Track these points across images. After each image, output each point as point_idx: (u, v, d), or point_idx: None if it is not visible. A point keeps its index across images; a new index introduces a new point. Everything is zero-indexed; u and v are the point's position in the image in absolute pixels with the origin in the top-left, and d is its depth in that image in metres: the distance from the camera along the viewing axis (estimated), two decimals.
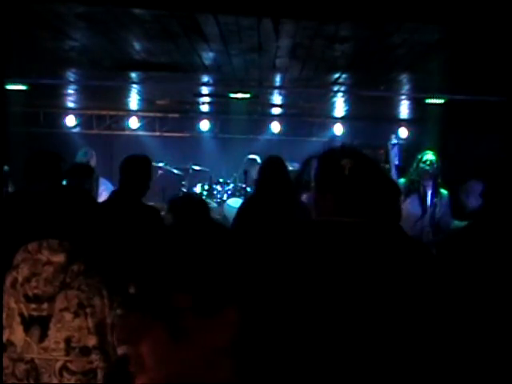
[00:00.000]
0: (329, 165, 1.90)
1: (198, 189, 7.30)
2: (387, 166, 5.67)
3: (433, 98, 6.45)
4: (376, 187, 1.87)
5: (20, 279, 1.83)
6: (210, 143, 8.79)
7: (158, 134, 8.79)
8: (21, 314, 1.81)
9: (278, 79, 6.04)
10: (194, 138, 8.78)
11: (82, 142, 8.49)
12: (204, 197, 6.85)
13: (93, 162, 6.29)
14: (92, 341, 1.76)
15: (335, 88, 6.40)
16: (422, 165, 5.13)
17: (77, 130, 8.73)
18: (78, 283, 1.79)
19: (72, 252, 1.84)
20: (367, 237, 1.73)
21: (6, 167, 5.36)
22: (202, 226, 1.06)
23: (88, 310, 1.77)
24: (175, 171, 7.52)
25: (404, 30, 3.92)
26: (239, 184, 7.09)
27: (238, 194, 7.01)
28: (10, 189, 5.73)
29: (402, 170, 5.62)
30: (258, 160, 6.98)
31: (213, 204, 6.84)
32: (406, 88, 6.40)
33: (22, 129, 7.64)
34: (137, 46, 4.69)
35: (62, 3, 3.58)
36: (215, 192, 7.16)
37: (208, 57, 4.99)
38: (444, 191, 5.11)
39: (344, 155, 1.87)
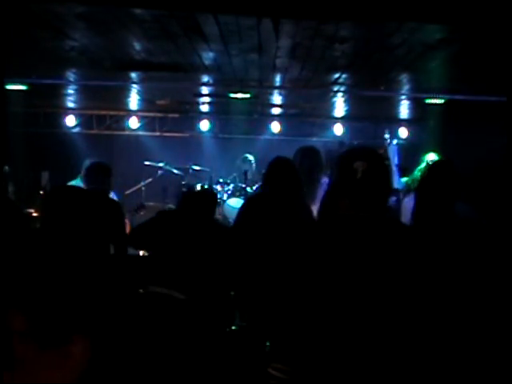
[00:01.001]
0: (343, 169, 2.09)
1: (198, 189, 7.29)
2: (386, 162, 5.67)
3: (433, 98, 6.45)
4: (385, 186, 2.14)
5: None
6: (210, 143, 8.78)
7: (158, 134, 8.78)
8: None
9: (278, 79, 6.04)
10: (194, 138, 8.77)
11: (82, 142, 8.50)
12: None
13: None
14: None
15: (335, 88, 6.39)
16: (422, 165, 5.16)
17: (77, 130, 8.72)
18: None
19: None
20: (377, 228, 2.04)
21: (6, 167, 5.35)
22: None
23: None
24: (175, 171, 7.51)
25: (404, 29, 3.92)
26: (239, 184, 7.09)
27: (237, 193, 7.00)
28: (10, 189, 5.73)
29: (401, 170, 5.61)
30: (252, 160, 7.02)
31: None
32: (406, 88, 6.40)
33: (21, 129, 7.64)
34: (137, 46, 4.69)
35: (61, 3, 3.58)
36: (215, 192, 7.15)
37: (208, 57, 4.99)
38: None
39: (357, 157, 2.06)
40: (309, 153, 4.81)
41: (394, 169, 5.45)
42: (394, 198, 5.10)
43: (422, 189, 2.97)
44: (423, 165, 5.22)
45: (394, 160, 5.52)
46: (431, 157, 5.24)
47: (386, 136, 5.84)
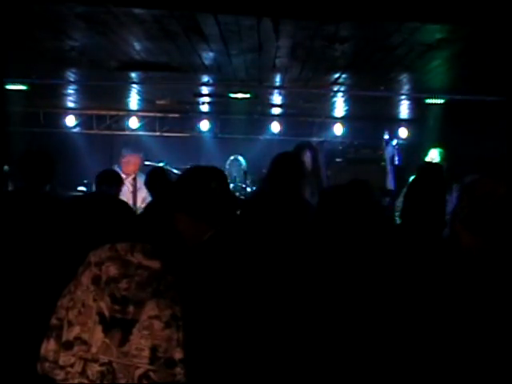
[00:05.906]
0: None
1: None
2: (383, 163, 5.65)
3: (433, 98, 6.45)
4: None
5: (104, 278, 1.77)
6: (210, 143, 8.77)
7: (157, 134, 8.78)
8: (99, 313, 1.75)
9: (278, 79, 6.04)
10: (194, 137, 8.77)
11: (82, 142, 8.50)
12: None
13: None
14: (179, 354, 1.71)
15: (335, 88, 6.40)
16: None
17: (77, 129, 8.73)
18: (172, 295, 1.74)
19: (166, 260, 1.80)
20: None
21: (5, 167, 5.35)
22: None
23: (181, 323, 1.72)
24: (175, 171, 7.51)
25: (404, 30, 3.92)
26: (239, 184, 7.10)
27: (237, 193, 7.01)
28: (10, 189, 5.72)
29: (400, 170, 5.61)
30: (242, 161, 7.06)
31: None
32: (406, 88, 6.40)
33: (21, 129, 7.64)
34: (137, 45, 4.69)
35: (61, 3, 3.58)
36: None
37: (208, 57, 4.99)
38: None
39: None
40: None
41: (389, 168, 5.41)
42: (386, 199, 5.09)
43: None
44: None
45: (391, 161, 5.50)
46: (433, 154, 5.24)
47: (386, 137, 5.83)
